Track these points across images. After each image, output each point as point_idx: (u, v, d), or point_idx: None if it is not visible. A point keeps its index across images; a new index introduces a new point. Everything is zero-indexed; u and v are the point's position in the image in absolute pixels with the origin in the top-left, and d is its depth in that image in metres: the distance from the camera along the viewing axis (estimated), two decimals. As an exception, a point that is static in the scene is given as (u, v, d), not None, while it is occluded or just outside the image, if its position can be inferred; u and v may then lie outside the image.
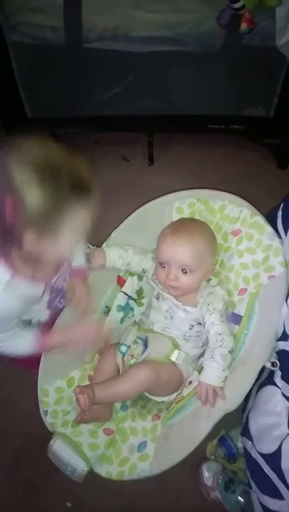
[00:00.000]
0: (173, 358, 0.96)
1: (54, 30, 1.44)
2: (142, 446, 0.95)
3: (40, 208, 0.62)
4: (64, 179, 0.63)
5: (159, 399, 0.99)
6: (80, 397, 0.87)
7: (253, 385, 0.92)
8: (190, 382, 0.98)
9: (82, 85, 1.55)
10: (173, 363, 0.96)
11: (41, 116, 1.55)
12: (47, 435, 0.93)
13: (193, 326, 0.98)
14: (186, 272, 0.95)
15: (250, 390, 0.91)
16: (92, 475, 0.91)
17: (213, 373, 0.89)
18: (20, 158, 0.62)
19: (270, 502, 0.84)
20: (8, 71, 1.38)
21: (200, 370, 0.95)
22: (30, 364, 0.99)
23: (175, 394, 0.99)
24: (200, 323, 0.97)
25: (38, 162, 0.62)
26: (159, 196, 1.09)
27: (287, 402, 0.85)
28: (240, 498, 0.98)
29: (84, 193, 0.66)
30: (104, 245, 1.07)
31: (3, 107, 1.50)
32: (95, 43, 1.47)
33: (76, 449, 0.92)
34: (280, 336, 0.91)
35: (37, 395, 0.97)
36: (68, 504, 1.02)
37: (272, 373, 0.90)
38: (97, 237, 1.39)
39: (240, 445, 1.04)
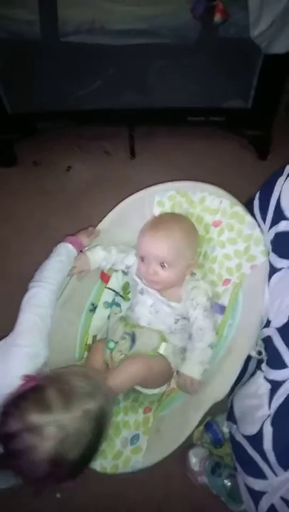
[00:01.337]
0: (161, 350, 0.97)
1: (29, 25, 1.42)
2: (134, 439, 0.97)
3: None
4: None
5: (150, 391, 1.00)
6: None
7: (242, 375, 0.95)
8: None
9: (61, 80, 1.53)
10: (161, 355, 0.97)
11: (21, 111, 1.54)
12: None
13: (178, 319, 0.99)
14: (164, 266, 0.96)
15: (239, 380, 0.93)
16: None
17: (192, 366, 0.92)
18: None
19: (254, 482, 0.87)
20: (-15, 67, 1.37)
21: None
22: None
23: (165, 386, 1.01)
24: (185, 318, 0.99)
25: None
26: (141, 190, 1.09)
27: (269, 384, 0.87)
28: (226, 481, 1.01)
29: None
30: (86, 248, 1.05)
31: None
32: (71, 36, 1.46)
33: None
34: (264, 324, 0.94)
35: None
36: (58, 495, 1.03)
37: (260, 361, 0.92)
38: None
39: (225, 430, 1.06)
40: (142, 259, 0.99)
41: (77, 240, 1.02)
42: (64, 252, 0.98)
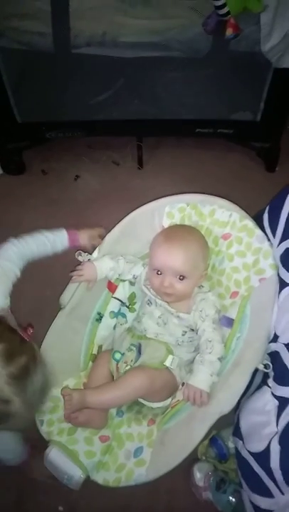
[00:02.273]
0: (167, 363, 0.96)
1: (42, 36, 1.45)
2: (138, 451, 0.96)
3: None
4: None
5: (154, 405, 0.99)
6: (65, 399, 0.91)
7: (248, 388, 0.93)
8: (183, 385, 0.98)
9: (71, 90, 1.55)
10: (167, 368, 0.96)
11: (31, 121, 1.55)
12: (39, 438, 0.94)
13: (186, 332, 0.98)
14: (181, 279, 0.96)
15: (244, 393, 0.92)
16: (86, 480, 0.91)
17: (201, 377, 0.90)
18: None
19: (261, 500, 0.85)
20: (-3, 77, 1.39)
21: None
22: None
23: (170, 399, 1.00)
24: (192, 330, 0.98)
25: None
26: (148, 200, 1.09)
27: (276, 401, 0.86)
28: (231, 497, 0.99)
29: None
30: (94, 255, 1.05)
31: (-8, 113, 1.50)
32: (83, 48, 1.48)
33: (72, 457, 0.91)
34: (271, 337, 0.93)
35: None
36: (60, 508, 1.02)
37: (266, 375, 0.91)
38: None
39: (231, 445, 1.05)
40: (156, 271, 0.98)
41: (75, 235, 1.02)
42: (55, 233, 1.00)
